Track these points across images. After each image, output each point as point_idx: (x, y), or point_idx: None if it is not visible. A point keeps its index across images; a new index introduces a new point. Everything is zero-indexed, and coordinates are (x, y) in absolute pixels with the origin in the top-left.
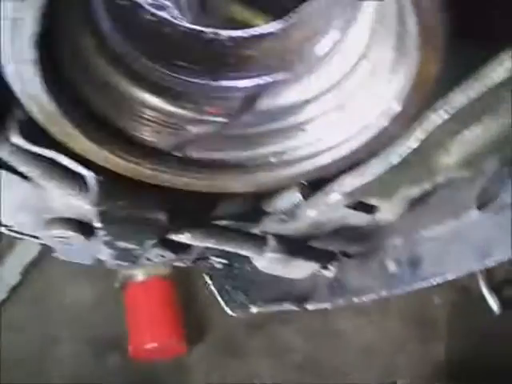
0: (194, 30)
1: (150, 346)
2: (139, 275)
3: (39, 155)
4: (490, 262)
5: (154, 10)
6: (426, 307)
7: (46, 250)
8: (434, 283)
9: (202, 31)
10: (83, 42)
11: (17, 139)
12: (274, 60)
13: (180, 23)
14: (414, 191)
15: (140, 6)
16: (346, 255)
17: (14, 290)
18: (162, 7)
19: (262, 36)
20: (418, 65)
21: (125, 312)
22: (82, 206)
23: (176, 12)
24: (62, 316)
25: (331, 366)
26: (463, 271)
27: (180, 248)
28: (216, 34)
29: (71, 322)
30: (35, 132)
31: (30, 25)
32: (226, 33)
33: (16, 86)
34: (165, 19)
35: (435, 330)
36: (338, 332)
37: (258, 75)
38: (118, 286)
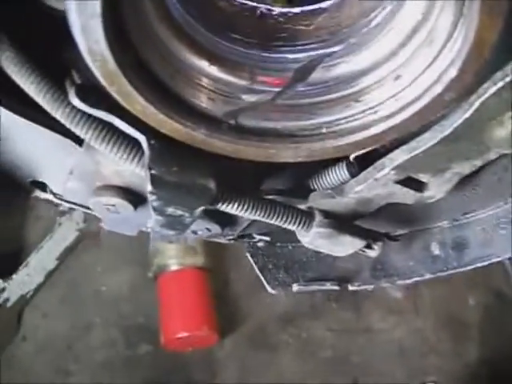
0: (248, 4)
1: (181, 335)
2: (173, 265)
3: (95, 118)
4: None
5: None
6: (460, 308)
7: (82, 238)
8: (479, 266)
9: (255, 6)
10: (147, 7)
11: (75, 101)
12: (327, 34)
13: None
14: (465, 167)
15: None
16: (391, 238)
17: (50, 274)
18: None
19: (314, 11)
20: (476, 30)
21: (158, 301)
22: (133, 171)
23: None
24: (95, 303)
25: (361, 363)
26: (509, 254)
27: (227, 221)
28: (269, 9)
29: (104, 309)
30: (93, 95)
31: None
32: (278, 8)
33: (81, 44)
34: None
35: (468, 332)
36: (370, 329)
37: (312, 48)
38: (151, 276)
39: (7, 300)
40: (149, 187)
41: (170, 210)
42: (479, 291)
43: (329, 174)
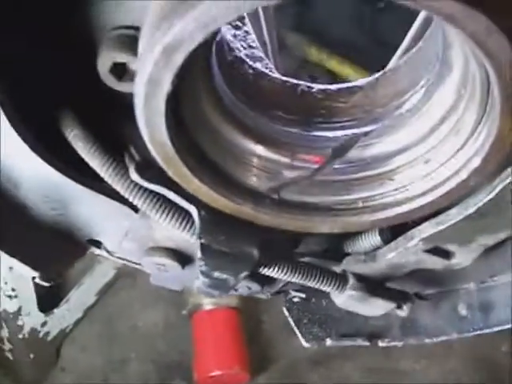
0: (289, 82)
1: (214, 373)
2: (207, 304)
3: (151, 191)
4: None
5: (251, 63)
6: (492, 354)
7: (119, 275)
8: (504, 328)
9: (296, 84)
10: (202, 98)
11: (134, 176)
12: (362, 113)
13: (276, 75)
14: (490, 240)
15: (242, 61)
16: (420, 297)
17: (89, 310)
18: (257, 59)
19: (350, 90)
20: (499, 129)
21: (192, 339)
22: (184, 238)
23: (268, 63)
24: (131, 338)
25: None
26: None
27: (266, 281)
28: (309, 86)
29: (140, 345)
30: (150, 171)
31: (165, 84)
32: (317, 86)
33: (145, 133)
34: (262, 72)
35: (498, 378)
36: (399, 372)
37: (348, 127)
38: (186, 314)
39: (48, 333)
40: (198, 254)
41: (217, 274)
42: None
43: (363, 240)
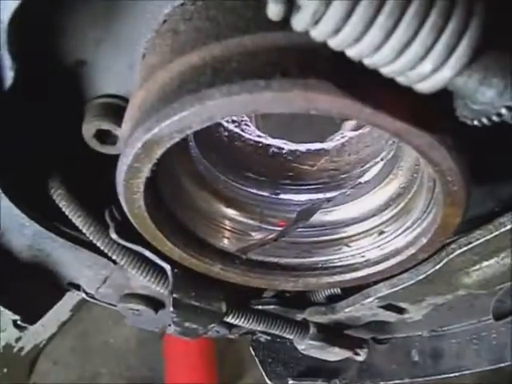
0: (261, 143)
1: None
2: None
3: (130, 248)
4: (504, 364)
5: (228, 126)
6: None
7: None
8: (452, 376)
9: (268, 145)
10: (176, 167)
11: (114, 235)
12: (326, 177)
13: (249, 136)
14: (439, 300)
15: (218, 124)
16: (377, 341)
17: (63, 325)
18: (236, 122)
19: (318, 152)
20: (442, 217)
21: (163, 357)
22: (157, 288)
23: (246, 126)
24: (104, 354)
25: None
26: (478, 370)
27: (233, 326)
28: (279, 147)
29: (112, 361)
30: (128, 230)
31: (145, 171)
32: (287, 147)
33: (125, 207)
34: (236, 133)
35: None
36: None
37: (313, 191)
38: (159, 332)
39: (22, 349)
40: (170, 308)
41: (187, 324)
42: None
43: (324, 291)
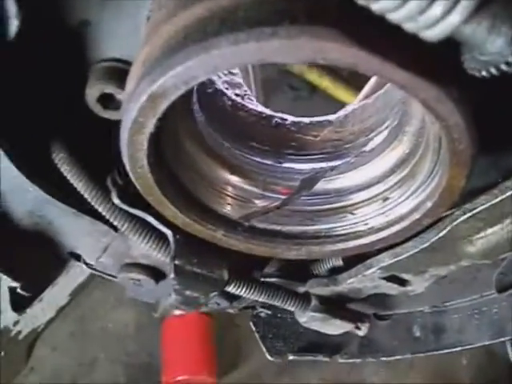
0: (264, 113)
1: (181, 378)
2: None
3: (131, 213)
4: (504, 339)
5: (230, 93)
6: (452, 367)
7: (94, 276)
8: (454, 351)
9: (271, 115)
10: (179, 128)
11: (116, 200)
12: (330, 147)
13: (252, 107)
14: (442, 270)
15: (222, 93)
16: (378, 317)
17: (62, 310)
18: (236, 85)
19: (321, 124)
20: (448, 179)
21: (161, 343)
22: (158, 256)
23: (248, 91)
24: (102, 338)
25: None
26: (481, 343)
27: (234, 298)
28: (282, 118)
29: (110, 346)
30: (131, 195)
31: (149, 127)
32: (291, 118)
33: (128, 166)
34: (239, 103)
35: None
36: (362, 382)
37: (316, 160)
38: (157, 317)
39: (19, 333)
40: (171, 274)
41: (188, 292)
42: (472, 351)
43: (326, 263)
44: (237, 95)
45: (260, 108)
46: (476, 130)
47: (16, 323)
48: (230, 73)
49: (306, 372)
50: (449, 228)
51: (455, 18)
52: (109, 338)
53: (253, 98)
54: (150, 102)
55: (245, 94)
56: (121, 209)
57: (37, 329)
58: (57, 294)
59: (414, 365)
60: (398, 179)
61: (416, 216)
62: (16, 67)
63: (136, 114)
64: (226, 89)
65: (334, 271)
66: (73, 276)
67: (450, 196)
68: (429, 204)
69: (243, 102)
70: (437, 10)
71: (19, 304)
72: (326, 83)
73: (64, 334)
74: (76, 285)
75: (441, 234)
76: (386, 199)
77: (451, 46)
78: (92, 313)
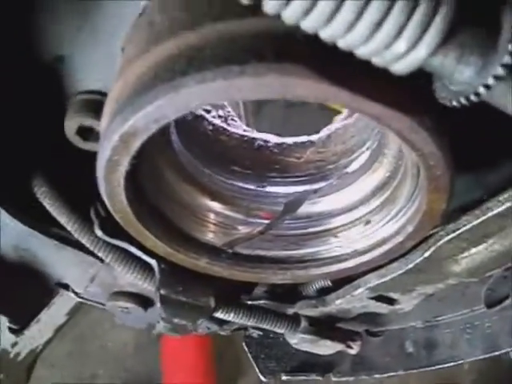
0: (247, 136)
1: None
2: None
3: (115, 245)
4: (498, 352)
5: (211, 118)
6: (454, 371)
7: None
8: (447, 366)
9: (253, 138)
10: (158, 160)
11: (98, 232)
12: (313, 169)
13: (234, 130)
14: (429, 289)
15: (202, 118)
16: (370, 334)
17: (60, 329)
18: (219, 106)
19: (304, 144)
20: (428, 204)
21: (161, 359)
22: (145, 285)
23: (233, 121)
24: (101, 357)
25: None
26: (472, 359)
27: (223, 322)
28: (265, 140)
29: (109, 363)
30: (113, 227)
31: (124, 165)
32: (273, 139)
33: (107, 202)
34: (219, 127)
35: None
36: None
37: (300, 183)
38: (156, 334)
39: (18, 354)
40: (158, 304)
41: (176, 320)
42: None
43: (314, 284)
44: (220, 117)
45: (242, 130)
46: (452, 157)
47: (14, 345)
48: None
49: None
50: (433, 249)
51: (421, 52)
52: (108, 356)
53: (236, 119)
54: (122, 141)
55: (228, 115)
56: (104, 240)
57: (35, 349)
58: (54, 313)
59: (415, 375)
60: (379, 202)
61: (398, 239)
62: None
63: (110, 152)
64: (208, 112)
65: (323, 292)
66: (69, 296)
67: (431, 220)
68: (410, 228)
69: (224, 126)
70: (401, 45)
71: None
72: None
73: (63, 353)
74: (73, 304)
75: (425, 255)
76: (367, 222)
77: (423, 75)
78: (90, 332)
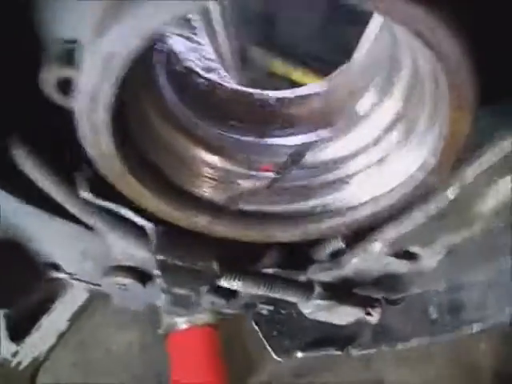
0: (243, 91)
1: None
2: (182, 324)
3: (104, 208)
4: None
5: (204, 74)
6: (472, 354)
7: (93, 298)
8: (475, 330)
9: (251, 93)
10: (147, 106)
11: (85, 194)
12: (317, 118)
13: (229, 85)
14: (454, 239)
15: (193, 72)
16: (390, 302)
17: (62, 336)
18: (211, 69)
19: (305, 96)
20: (450, 124)
21: (168, 359)
22: (141, 255)
23: (224, 74)
24: (106, 362)
25: None
26: (502, 318)
27: (230, 295)
28: (263, 95)
29: (116, 368)
30: (101, 187)
31: (107, 94)
32: (272, 93)
33: (90, 149)
34: (215, 82)
35: (480, 378)
36: (381, 381)
37: (304, 132)
38: (162, 334)
39: (19, 363)
40: (156, 271)
41: (177, 290)
42: (491, 336)
43: (326, 246)
44: (212, 70)
45: (239, 87)
46: (475, 66)
47: (15, 354)
48: (205, 58)
49: (322, 375)
50: (457, 187)
51: None
52: (113, 360)
53: (230, 80)
54: (103, 63)
55: (221, 78)
56: (92, 204)
57: (38, 358)
58: (55, 319)
59: (433, 356)
60: (394, 138)
61: (419, 177)
62: None
63: (93, 80)
64: (201, 70)
65: (336, 255)
66: (70, 300)
67: (454, 147)
68: (432, 160)
69: (220, 82)
70: None
71: (16, 334)
72: (312, 81)
73: (67, 361)
74: (75, 309)
75: (449, 196)
76: (382, 164)
77: None
78: (94, 336)
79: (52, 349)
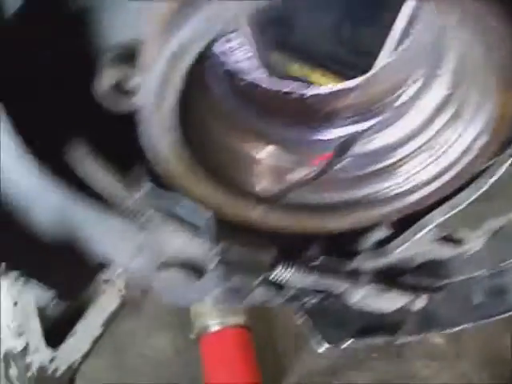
0: (281, 91)
1: None
2: (214, 326)
3: (161, 206)
4: None
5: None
6: (503, 349)
7: (126, 302)
8: None
9: (287, 92)
10: (202, 107)
11: (142, 193)
12: (360, 109)
13: (267, 86)
14: (500, 221)
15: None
16: (433, 289)
17: (96, 341)
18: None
19: (344, 91)
20: (499, 107)
21: (201, 362)
22: (195, 249)
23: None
24: (141, 366)
25: None
26: None
27: (279, 286)
28: (300, 94)
29: (151, 372)
30: (159, 187)
31: (174, 89)
32: (309, 91)
33: (152, 148)
34: (253, 83)
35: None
36: (413, 378)
37: (348, 124)
38: (193, 337)
39: (56, 370)
40: (212, 263)
41: (231, 281)
42: None
43: (373, 234)
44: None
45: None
46: None
47: (52, 360)
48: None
49: (354, 374)
50: (504, 168)
51: None
52: (148, 364)
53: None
54: (171, 61)
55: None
56: (148, 202)
57: (73, 364)
58: (89, 325)
59: (464, 352)
60: (442, 123)
61: (468, 158)
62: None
63: (158, 79)
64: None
65: (382, 243)
66: (103, 306)
67: (503, 128)
68: (480, 142)
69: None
70: None
71: (52, 340)
72: (331, 81)
73: (101, 367)
74: (107, 314)
75: (495, 177)
76: (431, 148)
77: None
78: (127, 341)
79: (87, 354)
